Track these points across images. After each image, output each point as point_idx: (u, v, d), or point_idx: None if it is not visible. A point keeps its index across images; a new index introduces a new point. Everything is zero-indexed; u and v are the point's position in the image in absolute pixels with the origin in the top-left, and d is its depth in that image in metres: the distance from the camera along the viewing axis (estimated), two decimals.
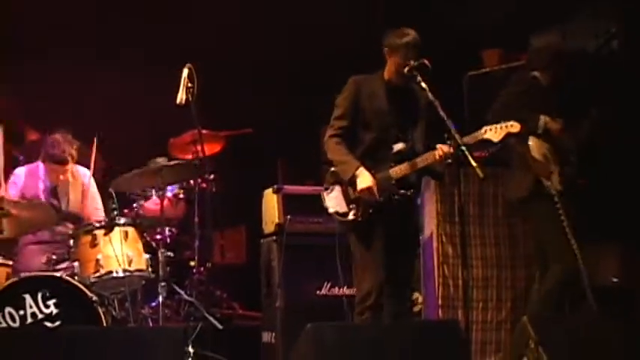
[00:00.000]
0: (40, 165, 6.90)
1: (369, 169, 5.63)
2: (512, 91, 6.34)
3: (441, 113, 5.46)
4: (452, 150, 5.50)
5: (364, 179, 5.60)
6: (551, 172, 6.26)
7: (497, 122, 5.59)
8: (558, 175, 6.25)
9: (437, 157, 5.55)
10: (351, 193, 5.70)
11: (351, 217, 5.71)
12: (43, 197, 6.83)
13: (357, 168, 5.62)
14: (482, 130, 5.55)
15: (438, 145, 5.55)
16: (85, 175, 7.00)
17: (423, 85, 5.55)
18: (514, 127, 5.55)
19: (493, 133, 5.54)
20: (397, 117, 5.72)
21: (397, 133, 5.70)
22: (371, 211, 5.65)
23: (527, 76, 6.48)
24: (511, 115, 5.81)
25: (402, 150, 5.68)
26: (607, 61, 7.45)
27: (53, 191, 6.90)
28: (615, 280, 7.13)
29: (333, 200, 5.78)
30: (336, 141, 5.75)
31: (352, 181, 5.64)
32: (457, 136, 5.43)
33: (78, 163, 6.94)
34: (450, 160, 5.64)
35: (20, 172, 6.93)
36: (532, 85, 6.38)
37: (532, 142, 6.27)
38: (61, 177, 6.81)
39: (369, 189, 5.58)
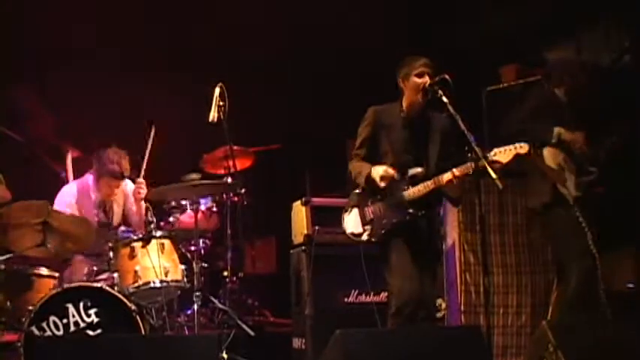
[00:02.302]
0: (89, 178, 7.02)
1: (385, 193, 5.83)
2: (528, 106, 6.46)
3: (462, 127, 5.57)
4: (464, 172, 5.61)
5: (377, 170, 5.77)
6: (566, 179, 6.36)
7: (509, 139, 5.72)
8: (574, 182, 6.36)
9: (445, 180, 5.67)
10: (367, 214, 5.89)
11: (364, 237, 5.90)
12: (94, 212, 6.96)
13: (370, 167, 5.81)
14: (492, 153, 5.64)
15: (453, 169, 5.67)
16: (126, 185, 7.13)
17: (444, 99, 5.66)
18: (522, 148, 5.64)
19: (502, 154, 5.63)
20: (413, 147, 5.89)
21: (412, 161, 5.86)
22: (383, 232, 5.83)
23: (543, 91, 6.59)
24: (525, 129, 5.99)
25: (418, 174, 5.83)
26: (621, 75, 7.54)
27: (102, 205, 7.02)
28: (631, 285, 7.19)
29: (351, 222, 5.97)
30: (354, 161, 5.98)
31: (371, 181, 5.78)
32: (477, 149, 5.53)
33: None
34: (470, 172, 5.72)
35: (71, 189, 7.01)
36: (549, 100, 6.49)
37: (546, 151, 6.39)
38: (116, 191, 6.97)
39: (382, 176, 5.73)
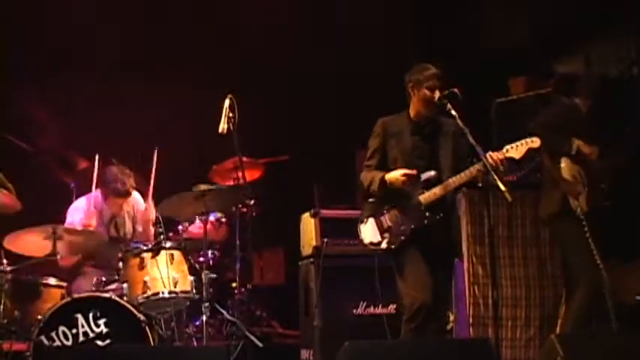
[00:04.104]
0: (98, 194, 7.07)
1: (399, 201, 5.82)
2: (551, 112, 6.50)
3: (471, 140, 5.59)
4: (483, 169, 5.59)
5: (394, 174, 5.77)
6: (579, 192, 6.38)
7: (534, 136, 5.73)
8: (586, 196, 6.37)
9: (457, 184, 5.71)
10: (384, 222, 5.86)
11: (384, 245, 5.85)
12: (105, 227, 7.03)
13: (383, 173, 5.81)
14: (505, 150, 5.66)
15: (462, 172, 5.69)
16: (137, 201, 7.21)
17: (453, 112, 5.67)
18: (534, 142, 5.66)
19: (515, 150, 5.66)
20: (423, 152, 5.89)
21: (424, 165, 5.84)
22: (403, 238, 5.79)
23: (566, 101, 6.60)
24: (549, 134, 6.02)
25: (431, 178, 5.81)
26: (629, 86, 7.56)
27: (113, 221, 7.10)
28: (639, 298, 7.14)
29: (368, 232, 5.92)
30: (365, 171, 5.98)
31: (386, 185, 5.78)
32: (487, 162, 5.54)
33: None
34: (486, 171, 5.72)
35: (81, 204, 7.06)
36: (571, 110, 6.51)
37: (564, 162, 6.41)
38: (125, 207, 7.07)
39: (401, 178, 5.73)
